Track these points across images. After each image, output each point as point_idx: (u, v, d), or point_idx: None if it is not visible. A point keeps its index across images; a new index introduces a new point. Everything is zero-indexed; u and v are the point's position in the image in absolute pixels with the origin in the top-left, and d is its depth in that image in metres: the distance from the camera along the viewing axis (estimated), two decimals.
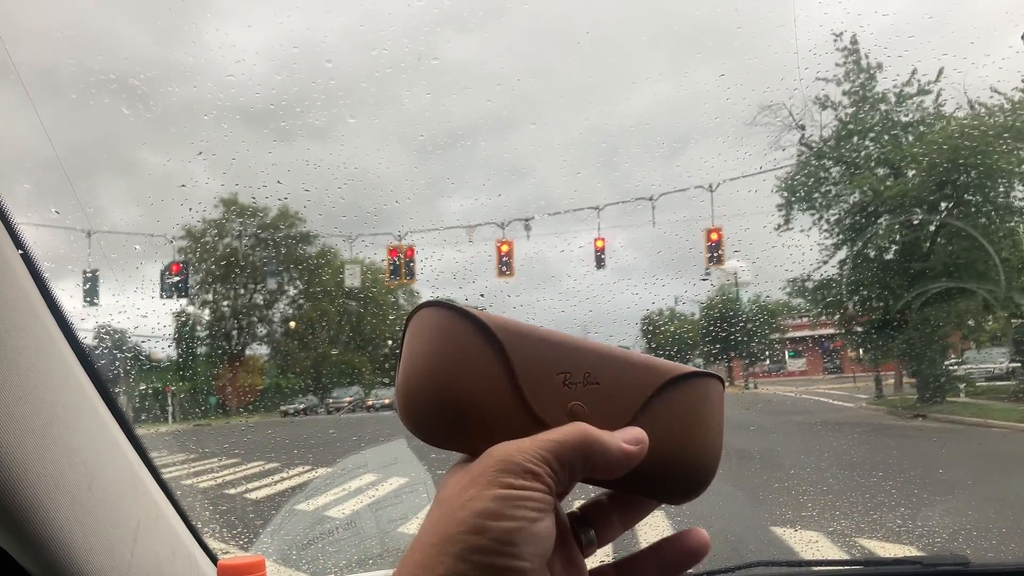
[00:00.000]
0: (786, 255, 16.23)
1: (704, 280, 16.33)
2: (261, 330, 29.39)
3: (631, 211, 15.02)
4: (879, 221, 15.16)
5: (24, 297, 0.74)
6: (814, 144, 16.03)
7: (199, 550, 1.12)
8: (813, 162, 15.98)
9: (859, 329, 17.16)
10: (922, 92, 14.70)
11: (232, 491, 7.45)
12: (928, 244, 15.16)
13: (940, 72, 14.21)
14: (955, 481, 6.88)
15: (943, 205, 14.73)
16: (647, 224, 14.74)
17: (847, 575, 1.69)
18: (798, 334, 27.55)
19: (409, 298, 25.49)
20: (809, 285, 16.17)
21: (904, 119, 15.09)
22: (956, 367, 16.75)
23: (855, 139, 15.49)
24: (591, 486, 0.50)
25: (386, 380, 24.25)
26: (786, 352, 30.32)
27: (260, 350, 29.51)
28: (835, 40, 14.90)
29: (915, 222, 15.09)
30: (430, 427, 0.47)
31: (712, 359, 19.38)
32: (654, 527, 3.66)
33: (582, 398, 0.47)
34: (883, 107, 15.09)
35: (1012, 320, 15.51)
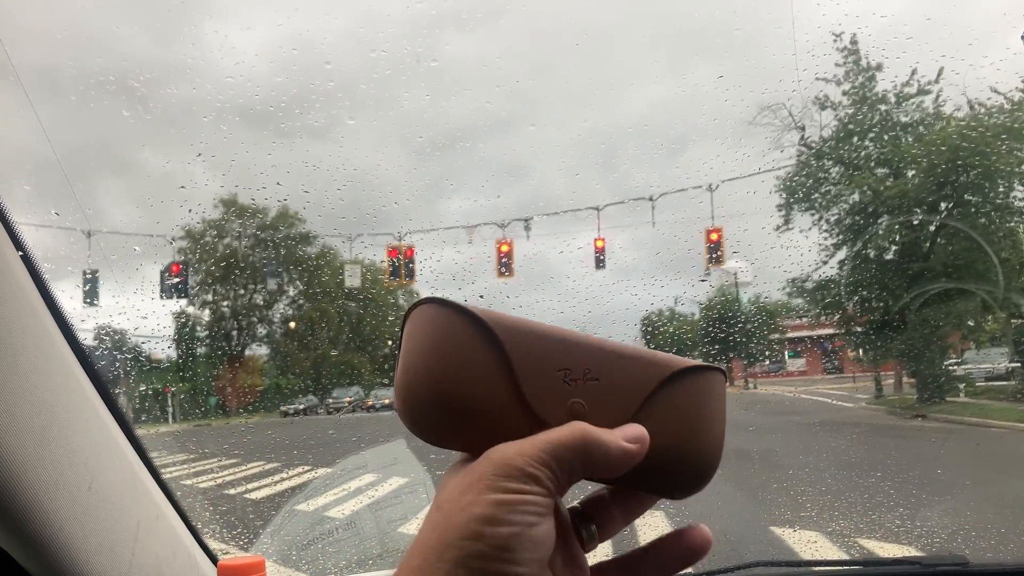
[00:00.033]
0: (785, 255, 16.21)
1: (703, 280, 16.33)
2: (261, 331, 29.40)
3: (631, 211, 15.00)
4: (879, 221, 15.13)
5: (24, 298, 0.74)
6: (814, 144, 16.02)
7: (199, 550, 1.12)
8: (813, 162, 15.95)
9: (859, 329, 17.14)
10: (921, 92, 14.71)
11: (232, 491, 7.45)
12: (927, 244, 15.16)
13: (940, 73, 14.24)
14: (954, 481, 6.87)
15: (942, 205, 14.72)
16: (647, 224, 14.71)
17: (846, 575, 1.70)
18: (798, 334, 27.48)
19: (409, 299, 25.40)
20: (809, 285, 16.16)
21: (904, 119, 15.07)
22: (955, 367, 16.73)
23: (855, 139, 15.46)
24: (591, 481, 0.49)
25: (386, 380, 24.22)
26: (786, 352, 30.26)
27: (260, 350, 29.52)
28: (834, 40, 14.91)
29: (915, 222, 15.08)
30: (428, 425, 0.47)
31: (712, 359, 19.24)
32: (654, 527, 3.66)
33: (582, 395, 0.47)
34: (883, 107, 15.07)
35: (1011, 320, 15.49)
